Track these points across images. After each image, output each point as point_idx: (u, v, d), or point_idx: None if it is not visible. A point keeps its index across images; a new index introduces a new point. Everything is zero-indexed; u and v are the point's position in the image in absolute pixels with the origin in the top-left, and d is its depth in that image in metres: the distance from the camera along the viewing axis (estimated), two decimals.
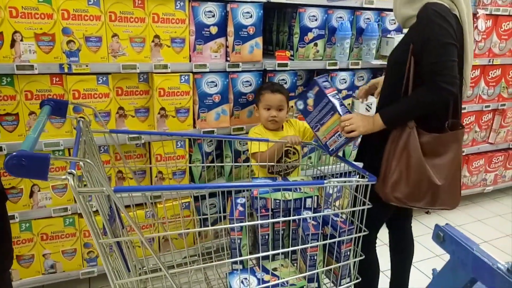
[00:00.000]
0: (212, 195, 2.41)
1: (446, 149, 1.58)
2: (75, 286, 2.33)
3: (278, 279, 1.58)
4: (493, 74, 3.15)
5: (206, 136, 2.19)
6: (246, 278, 1.61)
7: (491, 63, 3.06)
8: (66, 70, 1.90)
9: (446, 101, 1.54)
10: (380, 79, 1.95)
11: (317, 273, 1.67)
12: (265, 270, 1.66)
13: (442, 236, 0.94)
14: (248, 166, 2.48)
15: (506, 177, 3.63)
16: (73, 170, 0.99)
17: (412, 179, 1.56)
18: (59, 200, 2.09)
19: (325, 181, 1.52)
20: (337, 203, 2.13)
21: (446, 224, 0.96)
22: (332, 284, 1.73)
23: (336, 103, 1.70)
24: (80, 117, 1.58)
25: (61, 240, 2.14)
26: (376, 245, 1.93)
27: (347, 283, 1.72)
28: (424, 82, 1.50)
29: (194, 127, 2.28)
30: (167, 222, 2.06)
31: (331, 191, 2.61)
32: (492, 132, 3.40)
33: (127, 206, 1.60)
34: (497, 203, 3.65)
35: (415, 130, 1.56)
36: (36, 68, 1.84)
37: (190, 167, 2.32)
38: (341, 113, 1.68)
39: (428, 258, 2.73)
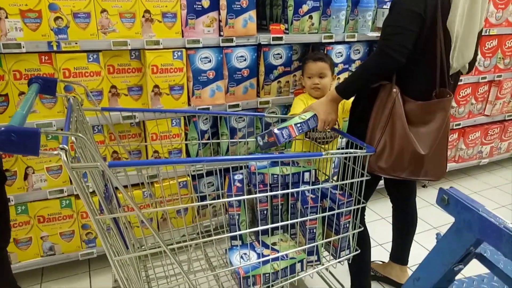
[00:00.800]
0: (209, 173, 2.39)
1: (432, 118, 1.55)
2: (75, 267, 2.33)
3: (278, 253, 1.58)
4: (490, 44, 3.12)
5: (202, 113, 2.16)
6: (245, 253, 1.61)
7: (487, 33, 3.02)
8: (55, 48, 1.85)
9: (390, 69, 1.52)
10: None
11: (317, 246, 1.67)
12: (265, 245, 1.66)
13: (447, 199, 0.93)
14: (245, 143, 2.46)
15: (502, 149, 3.65)
16: (65, 146, 0.96)
17: (395, 149, 1.55)
18: (55, 182, 2.06)
19: (324, 153, 1.50)
20: (335, 177, 2.13)
21: (451, 187, 0.95)
22: (331, 257, 1.74)
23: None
24: (72, 96, 1.53)
25: (59, 222, 2.12)
26: (376, 218, 1.94)
27: (346, 255, 1.73)
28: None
29: (189, 104, 2.24)
30: (164, 201, 2.04)
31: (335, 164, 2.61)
32: (488, 104, 3.39)
33: (124, 187, 1.57)
34: (493, 175, 3.67)
35: (400, 97, 1.54)
36: (23, 47, 1.78)
37: (186, 146, 2.29)
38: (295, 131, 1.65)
39: (426, 230, 2.75)
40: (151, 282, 1.77)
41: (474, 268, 1.16)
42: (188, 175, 2.30)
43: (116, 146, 2.12)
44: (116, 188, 1.43)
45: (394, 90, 1.54)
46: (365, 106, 1.66)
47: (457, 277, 1.05)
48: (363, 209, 1.85)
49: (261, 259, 1.56)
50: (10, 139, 0.89)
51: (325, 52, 2.49)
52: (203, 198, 2.27)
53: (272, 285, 1.58)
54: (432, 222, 2.85)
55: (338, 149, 2.05)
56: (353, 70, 2.66)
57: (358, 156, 1.56)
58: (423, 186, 3.36)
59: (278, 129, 1.62)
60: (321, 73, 2.07)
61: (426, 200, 3.15)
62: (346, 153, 1.55)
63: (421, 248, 2.52)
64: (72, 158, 1.04)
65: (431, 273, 1.02)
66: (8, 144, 0.89)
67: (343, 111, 2.07)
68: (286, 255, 1.62)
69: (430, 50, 1.51)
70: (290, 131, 1.63)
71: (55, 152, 0.95)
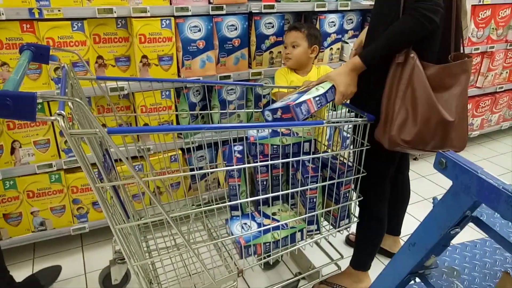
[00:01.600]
0: (199, 148, 2.36)
1: (454, 81, 1.45)
2: (67, 242, 2.31)
3: (278, 223, 1.58)
4: (483, 15, 3.08)
5: (196, 82, 2.11)
6: (246, 223, 1.60)
7: (481, 3, 2.97)
8: (36, 16, 1.76)
9: (427, 32, 1.38)
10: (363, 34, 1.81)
11: (317, 215, 1.67)
12: (265, 215, 1.65)
13: (445, 162, 0.92)
14: (238, 115, 2.42)
15: (492, 121, 3.67)
16: (62, 111, 0.92)
17: (420, 117, 1.42)
18: (43, 156, 2.01)
19: (324, 121, 1.47)
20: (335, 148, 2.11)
21: (449, 150, 0.93)
22: (331, 226, 1.74)
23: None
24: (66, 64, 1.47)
25: (49, 197, 2.09)
26: None
27: (345, 224, 1.73)
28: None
29: (179, 76, 2.19)
30: (166, 171, 2.01)
31: (345, 134, 2.59)
32: (480, 76, 3.38)
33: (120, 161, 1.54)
34: (483, 147, 3.70)
35: (419, 62, 1.42)
36: (2, 13, 1.70)
37: (177, 119, 2.25)
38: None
39: (418, 201, 2.78)
40: (152, 252, 1.77)
41: (464, 235, 1.16)
42: (181, 149, 2.26)
43: (105, 117, 2.07)
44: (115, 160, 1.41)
45: (412, 55, 1.41)
46: (374, 75, 1.51)
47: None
48: (386, 189, 1.77)
49: (262, 228, 1.55)
50: (6, 104, 0.85)
51: (318, 21, 2.43)
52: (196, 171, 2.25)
53: (272, 254, 1.59)
54: (424, 194, 2.87)
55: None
56: (346, 40, 2.61)
57: (358, 125, 1.54)
58: (414, 159, 3.37)
59: (296, 105, 1.45)
60: (293, 42, 2.02)
61: (417, 173, 3.18)
62: (347, 121, 1.53)
63: (413, 219, 2.55)
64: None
65: (427, 238, 1.02)
66: (3, 109, 0.85)
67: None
68: (286, 224, 1.62)
69: (446, 8, 1.40)
70: (308, 106, 1.47)
71: (53, 118, 0.91)
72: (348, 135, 1.77)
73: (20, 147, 1.96)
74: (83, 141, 1.21)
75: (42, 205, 2.09)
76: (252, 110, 2.43)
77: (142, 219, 1.81)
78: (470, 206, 0.90)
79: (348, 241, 2.32)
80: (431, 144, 1.46)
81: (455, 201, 0.92)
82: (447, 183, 0.89)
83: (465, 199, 0.89)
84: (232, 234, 1.57)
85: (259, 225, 1.58)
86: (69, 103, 1.02)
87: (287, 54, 2.04)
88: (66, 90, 1.23)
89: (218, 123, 2.38)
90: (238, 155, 1.67)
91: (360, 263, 1.90)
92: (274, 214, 1.65)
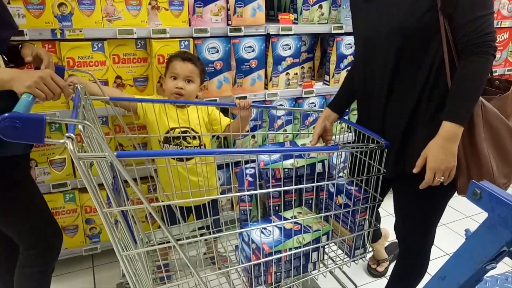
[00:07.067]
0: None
1: None
2: (78, 263, 2.28)
3: (301, 227, 1.50)
4: (501, 37, 3.05)
5: (212, 104, 2.09)
6: (265, 228, 1.50)
7: (499, 25, 2.95)
8: (58, 36, 1.78)
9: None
10: (325, 117, 1.69)
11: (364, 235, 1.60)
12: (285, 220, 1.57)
13: (479, 193, 0.87)
14: (253, 136, 2.40)
15: None
16: (71, 134, 0.91)
17: (509, 155, 1.32)
18: (58, 175, 2.01)
19: (340, 147, 1.44)
20: (345, 171, 2.06)
21: (483, 180, 0.89)
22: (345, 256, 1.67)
23: None
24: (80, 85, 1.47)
25: (62, 217, 2.07)
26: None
27: (360, 254, 1.66)
28: (460, 51, 1.27)
29: (196, 97, 2.18)
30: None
31: (335, 161, 2.55)
32: None
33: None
34: None
35: (482, 98, 1.31)
36: (26, 34, 1.72)
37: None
38: None
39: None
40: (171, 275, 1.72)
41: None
42: None
43: (122, 138, 2.07)
44: (124, 181, 1.38)
45: None
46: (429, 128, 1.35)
47: None
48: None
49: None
50: (14, 126, 0.84)
51: (334, 43, 2.42)
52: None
53: (284, 284, 1.50)
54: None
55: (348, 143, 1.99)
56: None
57: (375, 151, 1.50)
58: None
59: None
60: (189, 77, 1.85)
61: None
62: (363, 147, 1.49)
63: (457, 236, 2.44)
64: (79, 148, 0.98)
65: (459, 272, 0.97)
66: (12, 131, 0.85)
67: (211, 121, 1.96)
68: (310, 227, 1.53)
69: None
70: None
71: (61, 141, 0.90)
72: (335, 162, 1.70)
73: (36, 165, 1.95)
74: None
75: None
76: (266, 132, 2.41)
77: (151, 242, 1.77)
78: (508, 240, 0.85)
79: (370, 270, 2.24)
80: None
81: (491, 235, 0.87)
82: (467, 208, 0.85)
83: (503, 233, 0.85)
84: (242, 263, 1.51)
85: (280, 229, 1.49)
86: (79, 126, 1.01)
87: (180, 89, 1.83)
88: (78, 111, 1.22)
89: (234, 143, 2.36)
90: (250, 179, 1.62)
91: None
92: (293, 217, 1.57)
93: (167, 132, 1.87)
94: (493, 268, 0.91)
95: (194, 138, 1.92)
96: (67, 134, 0.90)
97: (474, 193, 0.89)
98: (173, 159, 1.83)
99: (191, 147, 1.91)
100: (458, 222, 2.64)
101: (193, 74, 1.87)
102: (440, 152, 1.27)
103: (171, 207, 1.80)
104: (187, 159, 1.86)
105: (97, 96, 1.62)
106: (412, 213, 1.57)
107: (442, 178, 1.30)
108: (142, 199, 1.07)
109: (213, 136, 2.27)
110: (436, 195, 1.45)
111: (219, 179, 2.39)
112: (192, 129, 1.91)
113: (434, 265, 1.98)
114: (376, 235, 2.05)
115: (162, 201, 1.88)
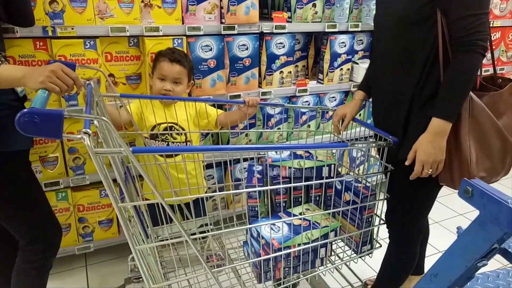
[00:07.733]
0: (209, 166, 2.32)
1: (506, 107, 1.39)
2: (71, 261, 2.26)
3: (309, 223, 1.51)
4: (493, 37, 3.07)
5: (209, 101, 2.08)
6: (274, 224, 1.50)
7: (492, 25, 2.97)
8: (50, 34, 1.76)
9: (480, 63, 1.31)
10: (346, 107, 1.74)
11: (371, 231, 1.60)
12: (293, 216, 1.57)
13: (471, 191, 0.88)
14: (246, 135, 2.40)
15: None
16: (88, 130, 0.91)
17: (492, 150, 1.35)
18: (50, 174, 1.99)
19: (349, 144, 1.44)
20: (361, 168, 2.05)
21: (475, 178, 0.90)
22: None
23: None
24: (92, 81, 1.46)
25: None
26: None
27: (367, 250, 1.67)
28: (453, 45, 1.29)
29: (189, 94, 2.17)
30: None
31: (354, 154, 2.55)
32: None
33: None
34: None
35: (473, 93, 1.34)
36: (17, 31, 1.70)
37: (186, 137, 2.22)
38: None
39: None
40: (169, 273, 1.72)
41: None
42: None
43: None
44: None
45: None
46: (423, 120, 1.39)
47: None
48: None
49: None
50: (33, 121, 0.86)
51: (328, 41, 2.43)
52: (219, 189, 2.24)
53: (292, 279, 1.50)
54: (435, 217, 2.81)
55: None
56: (356, 61, 2.60)
57: (382, 148, 1.51)
58: None
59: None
60: (177, 79, 1.84)
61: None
62: (373, 143, 1.50)
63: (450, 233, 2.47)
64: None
65: (451, 269, 0.97)
66: (31, 126, 0.86)
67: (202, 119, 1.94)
68: (318, 223, 1.53)
69: None
70: None
71: (79, 136, 0.90)
72: (355, 155, 1.72)
73: None
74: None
75: None
76: (261, 130, 2.41)
77: (159, 237, 1.77)
78: (499, 238, 0.86)
79: None
80: (501, 174, 1.41)
81: (483, 232, 0.88)
82: (459, 206, 0.86)
83: (494, 231, 0.85)
84: (250, 258, 1.51)
85: (289, 225, 1.49)
86: (95, 122, 1.01)
87: (168, 91, 1.83)
88: (92, 109, 1.22)
89: (228, 141, 2.35)
90: (258, 176, 1.63)
91: None
92: (301, 214, 1.57)
93: (154, 128, 1.87)
94: (485, 265, 0.92)
95: (180, 134, 1.92)
96: (83, 130, 0.90)
97: (466, 191, 0.90)
98: (160, 155, 1.83)
99: (177, 143, 1.91)
100: (451, 220, 2.67)
101: (181, 75, 1.86)
102: (429, 146, 1.32)
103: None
104: (176, 155, 1.85)
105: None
106: (401, 200, 1.59)
107: (430, 170, 1.35)
108: (156, 194, 1.07)
109: (207, 134, 2.27)
110: (424, 186, 1.49)
111: (212, 177, 2.38)
112: (179, 125, 1.90)
113: (427, 263, 2.02)
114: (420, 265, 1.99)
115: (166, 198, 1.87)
